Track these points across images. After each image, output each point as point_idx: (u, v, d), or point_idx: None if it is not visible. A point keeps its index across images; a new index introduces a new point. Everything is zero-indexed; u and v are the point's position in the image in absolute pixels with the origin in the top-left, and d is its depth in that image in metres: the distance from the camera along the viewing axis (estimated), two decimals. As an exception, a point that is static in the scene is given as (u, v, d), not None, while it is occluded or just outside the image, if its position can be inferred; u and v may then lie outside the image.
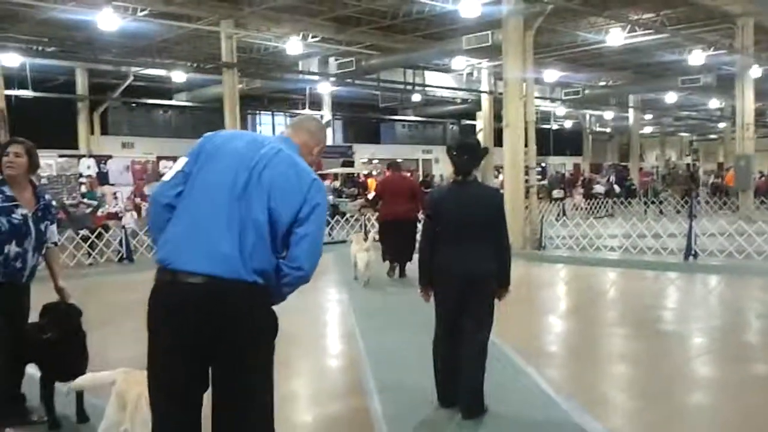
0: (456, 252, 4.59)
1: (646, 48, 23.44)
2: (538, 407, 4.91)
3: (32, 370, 4.51)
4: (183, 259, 2.75)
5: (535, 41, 15.16)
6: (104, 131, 27.32)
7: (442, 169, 32.47)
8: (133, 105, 29.05)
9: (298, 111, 32.71)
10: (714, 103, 33.92)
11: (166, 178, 3.03)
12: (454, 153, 4.67)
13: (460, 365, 4.60)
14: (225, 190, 2.80)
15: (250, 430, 2.86)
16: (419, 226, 7.98)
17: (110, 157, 23.56)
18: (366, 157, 33.59)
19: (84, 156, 23.19)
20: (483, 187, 5.00)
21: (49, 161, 20.98)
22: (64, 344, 4.29)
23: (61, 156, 21.98)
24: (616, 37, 20.23)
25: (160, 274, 2.81)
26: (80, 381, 4.06)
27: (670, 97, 31.09)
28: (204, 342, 2.73)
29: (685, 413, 4.99)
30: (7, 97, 16.57)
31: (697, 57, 22.56)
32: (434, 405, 4.79)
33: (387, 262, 11.14)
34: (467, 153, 4.68)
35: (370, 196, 15.15)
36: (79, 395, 4.49)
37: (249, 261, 2.74)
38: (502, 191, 14.98)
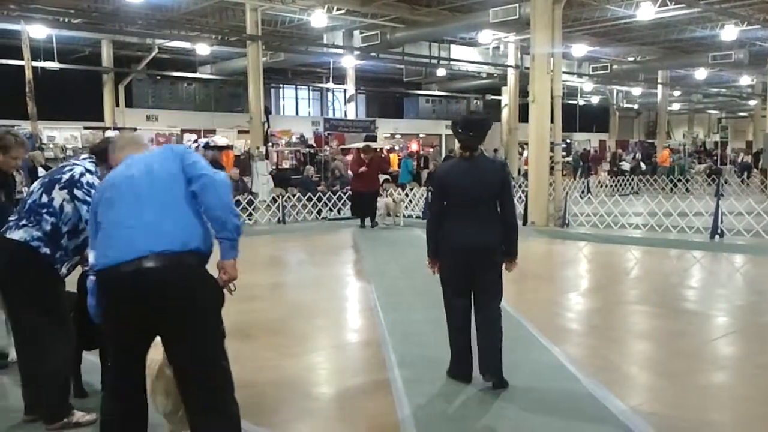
0: (463, 225, 4.69)
1: (677, 23, 22.96)
2: (560, 383, 4.89)
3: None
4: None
5: (564, 15, 14.90)
6: (129, 104, 27.46)
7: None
8: (158, 78, 29.13)
9: (321, 84, 32.63)
10: (745, 80, 33.24)
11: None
12: (460, 130, 4.77)
13: (479, 338, 4.72)
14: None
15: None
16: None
17: (135, 129, 23.67)
18: (389, 132, 33.45)
19: (109, 128, 23.34)
20: (489, 162, 5.02)
21: (75, 133, 21.19)
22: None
23: (86, 128, 22.16)
24: (646, 11, 19.78)
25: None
26: None
27: (700, 74, 30.53)
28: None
29: (707, 393, 4.93)
30: (34, 69, 16.64)
31: (729, 32, 22.05)
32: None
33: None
34: (473, 129, 4.75)
35: None
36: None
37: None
38: (525, 167, 14.88)
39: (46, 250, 4.04)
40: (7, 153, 4.86)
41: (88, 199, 3.97)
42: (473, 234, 4.67)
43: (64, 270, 4.16)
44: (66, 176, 4.11)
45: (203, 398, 3.16)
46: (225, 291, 3.30)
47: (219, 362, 3.21)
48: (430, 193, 16.69)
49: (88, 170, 4.16)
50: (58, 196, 4.07)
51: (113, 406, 3.30)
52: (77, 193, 4.06)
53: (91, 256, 3.33)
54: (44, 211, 4.05)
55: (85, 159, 4.31)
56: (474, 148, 4.76)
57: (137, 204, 3.15)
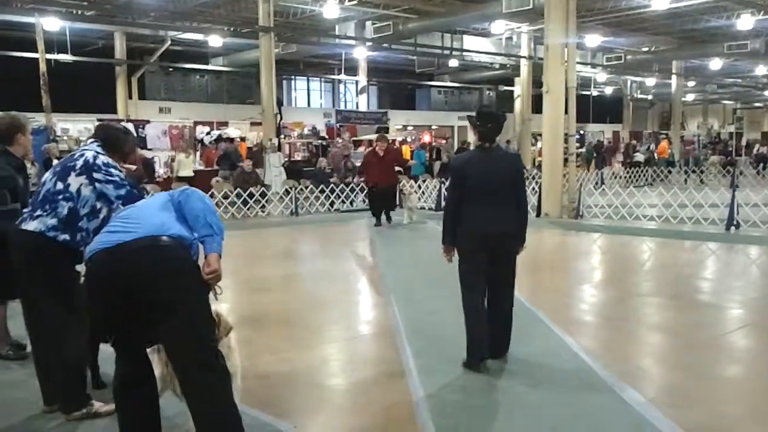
0: (481, 212, 4.93)
1: (691, 12, 22.70)
2: (575, 375, 4.88)
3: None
4: None
5: (578, 4, 14.81)
6: (141, 96, 27.52)
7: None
8: (170, 70, 29.18)
9: (333, 76, 32.58)
10: (761, 70, 32.87)
11: None
12: (478, 122, 5.06)
13: (491, 313, 4.99)
14: None
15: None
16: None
17: (148, 121, 23.75)
18: (401, 123, 33.38)
19: (122, 120, 23.43)
20: (504, 153, 5.46)
21: (88, 125, 21.26)
22: None
23: (99, 120, 22.22)
24: (661, 0, 19.60)
25: None
26: None
27: (715, 64, 30.21)
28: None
29: (721, 385, 4.90)
30: (48, 62, 16.73)
31: (745, 21, 21.79)
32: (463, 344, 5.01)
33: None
34: (491, 122, 5.05)
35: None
36: (94, 364, 4.57)
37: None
38: (540, 159, 14.82)
39: (65, 236, 4.06)
40: (25, 133, 4.93)
41: (110, 178, 4.09)
42: (491, 220, 4.91)
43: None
44: (80, 162, 4.13)
45: (193, 366, 3.22)
46: (211, 294, 3.33)
47: (208, 338, 3.28)
48: (442, 184, 16.75)
49: (98, 153, 4.20)
50: (75, 182, 4.09)
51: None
52: (96, 176, 4.10)
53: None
54: (60, 197, 4.07)
55: (91, 143, 4.33)
56: (492, 140, 5.04)
57: (128, 213, 3.45)
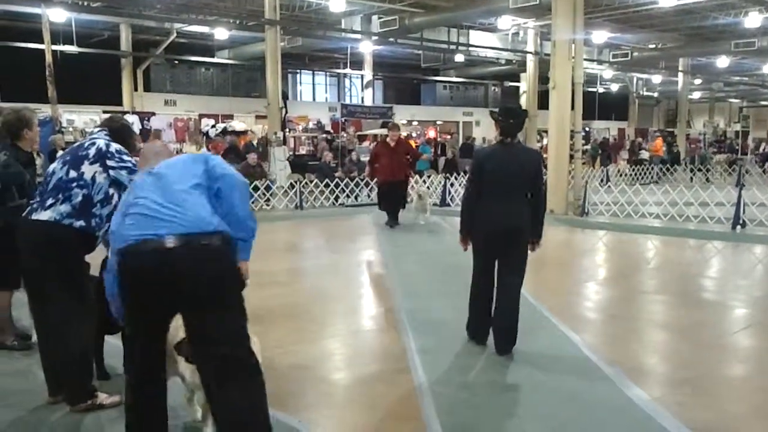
0: (499, 206, 5.06)
1: (699, 9, 22.57)
2: (580, 372, 4.87)
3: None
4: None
5: (585, 1, 14.70)
6: (147, 88, 27.51)
7: (485, 131, 32.02)
8: (176, 62, 29.17)
9: (338, 70, 32.52)
10: (768, 68, 32.68)
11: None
12: (500, 118, 5.14)
13: (496, 307, 5.14)
14: None
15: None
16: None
17: (153, 114, 23.76)
18: (406, 118, 33.32)
19: (127, 113, 23.44)
20: (525, 149, 5.56)
21: (94, 116, 21.28)
22: None
23: (105, 112, 22.23)
24: (668, -3, 19.50)
25: None
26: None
27: (722, 62, 30.06)
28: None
29: (727, 384, 4.89)
30: (53, 53, 16.71)
31: (753, 19, 21.66)
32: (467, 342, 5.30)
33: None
34: (513, 117, 5.15)
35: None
36: (99, 355, 4.58)
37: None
38: (545, 155, 14.75)
39: (81, 223, 4.06)
40: (32, 127, 4.94)
41: (123, 164, 4.12)
42: (506, 215, 5.04)
43: (100, 235, 4.20)
44: (92, 150, 4.14)
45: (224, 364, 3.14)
46: None
47: (245, 336, 3.23)
48: (446, 180, 16.71)
49: (109, 140, 4.24)
50: (89, 170, 4.10)
51: (138, 389, 3.33)
52: (110, 163, 4.13)
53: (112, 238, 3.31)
54: (74, 185, 4.08)
55: (100, 132, 4.34)
56: (513, 135, 5.15)
57: (160, 192, 3.20)
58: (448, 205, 15.66)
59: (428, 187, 16.20)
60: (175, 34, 24.68)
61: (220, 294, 3.13)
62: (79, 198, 4.05)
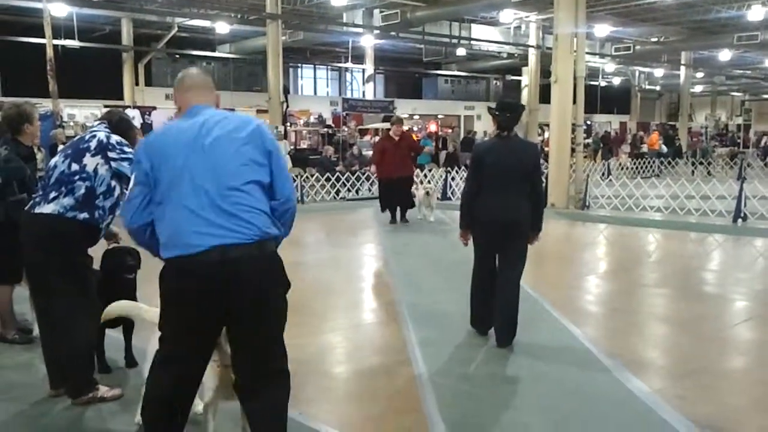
0: (497, 199, 5.11)
1: (702, 2, 22.54)
2: (581, 365, 4.87)
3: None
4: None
5: (588, -6, 14.69)
6: (148, 82, 27.51)
7: (486, 125, 31.99)
8: (177, 56, 29.15)
9: (340, 64, 32.49)
10: (771, 62, 32.61)
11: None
12: (497, 112, 5.25)
13: (497, 299, 5.18)
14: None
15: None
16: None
17: (154, 108, 23.74)
18: (407, 112, 33.30)
19: (128, 107, 23.42)
20: (523, 142, 5.63)
21: (95, 111, 21.26)
22: (125, 286, 4.49)
23: (105, 107, 22.23)
24: (670, -10, 19.44)
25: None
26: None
27: (724, 55, 29.99)
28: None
29: (727, 377, 4.89)
30: (55, 47, 16.69)
31: (756, 12, 21.62)
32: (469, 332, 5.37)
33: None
34: (509, 111, 5.26)
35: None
36: (128, 341, 4.60)
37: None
38: (547, 149, 14.71)
39: (84, 215, 4.06)
40: (32, 122, 4.95)
41: (125, 155, 4.11)
42: (504, 209, 5.09)
43: (104, 227, 4.22)
44: (93, 143, 4.15)
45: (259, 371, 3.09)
46: None
47: (282, 341, 3.20)
48: (448, 173, 16.71)
49: (109, 133, 4.25)
50: (91, 162, 4.10)
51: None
52: (111, 155, 4.13)
53: (159, 231, 2.97)
54: (77, 177, 4.07)
55: (99, 125, 4.35)
56: (510, 129, 5.22)
57: (214, 183, 2.88)
58: (449, 198, 15.66)
59: (429, 182, 16.08)
60: (176, 29, 24.68)
61: (278, 305, 3.12)
62: (82, 190, 4.06)
